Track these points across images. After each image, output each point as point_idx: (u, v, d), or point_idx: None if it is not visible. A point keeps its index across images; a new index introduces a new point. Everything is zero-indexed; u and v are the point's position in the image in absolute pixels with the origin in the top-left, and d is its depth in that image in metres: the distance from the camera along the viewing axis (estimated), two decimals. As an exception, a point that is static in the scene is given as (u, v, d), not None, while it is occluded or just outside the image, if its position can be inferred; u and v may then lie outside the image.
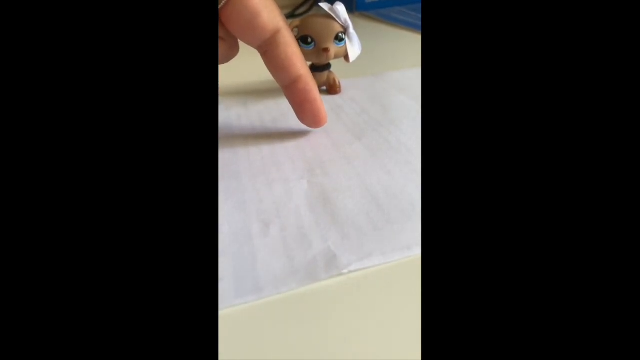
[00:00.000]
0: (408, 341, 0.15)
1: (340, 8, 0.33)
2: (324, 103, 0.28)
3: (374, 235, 0.19)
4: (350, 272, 0.18)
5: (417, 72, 0.40)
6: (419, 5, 0.68)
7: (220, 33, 0.25)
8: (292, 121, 0.29)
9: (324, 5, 0.33)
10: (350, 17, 0.33)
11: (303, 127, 0.29)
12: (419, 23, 0.57)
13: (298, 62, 0.27)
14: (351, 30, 0.33)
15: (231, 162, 0.26)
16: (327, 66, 0.35)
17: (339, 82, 0.36)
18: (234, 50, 0.27)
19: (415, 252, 0.18)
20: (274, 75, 0.27)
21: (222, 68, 0.27)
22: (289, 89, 0.27)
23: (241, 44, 0.27)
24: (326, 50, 0.32)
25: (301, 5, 0.70)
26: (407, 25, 0.57)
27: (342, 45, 0.33)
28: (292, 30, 0.32)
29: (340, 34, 0.33)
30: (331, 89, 0.36)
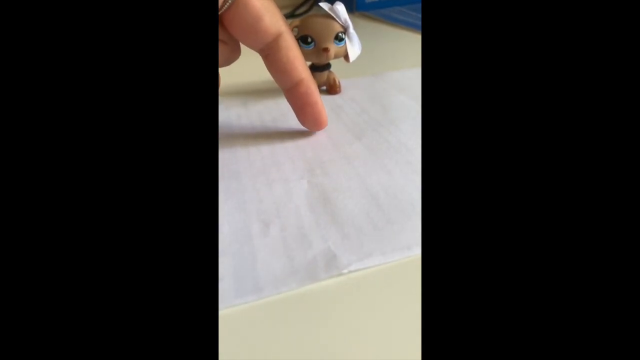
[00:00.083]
0: (408, 341, 0.15)
1: (340, 8, 0.33)
2: (324, 103, 0.28)
3: (374, 235, 0.19)
4: (350, 272, 0.18)
5: (417, 72, 0.40)
6: (419, 5, 0.68)
7: (223, 36, 0.25)
8: (292, 121, 0.29)
9: (324, 5, 0.33)
10: (350, 17, 0.33)
11: (303, 127, 0.29)
12: (419, 23, 0.57)
13: (299, 65, 0.27)
14: (351, 30, 0.33)
15: (231, 162, 0.26)
16: (327, 66, 0.35)
17: (339, 82, 0.36)
18: (235, 54, 0.27)
19: (415, 252, 0.18)
20: (275, 79, 0.28)
21: (222, 68, 0.27)
22: (290, 92, 0.27)
23: (242, 45, 0.27)
24: (326, 50, 0.32)
25: (301, 5, 0.70)
26: (407, 25, 0.57)
27: (342, 45, 0.33)
28: (292, 30, 0.32)
29: (340, 34, 0.33)
30: (331, 88, 0.36)
